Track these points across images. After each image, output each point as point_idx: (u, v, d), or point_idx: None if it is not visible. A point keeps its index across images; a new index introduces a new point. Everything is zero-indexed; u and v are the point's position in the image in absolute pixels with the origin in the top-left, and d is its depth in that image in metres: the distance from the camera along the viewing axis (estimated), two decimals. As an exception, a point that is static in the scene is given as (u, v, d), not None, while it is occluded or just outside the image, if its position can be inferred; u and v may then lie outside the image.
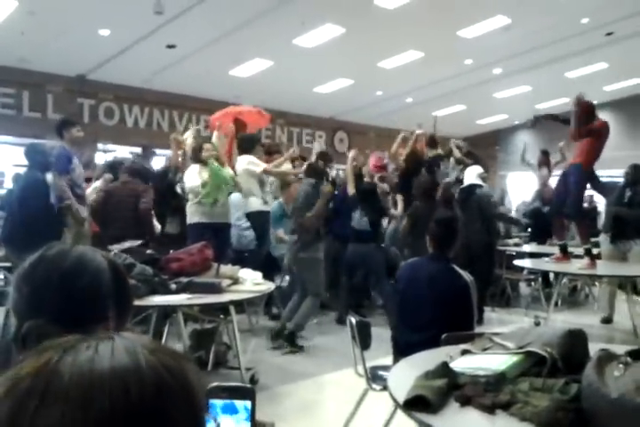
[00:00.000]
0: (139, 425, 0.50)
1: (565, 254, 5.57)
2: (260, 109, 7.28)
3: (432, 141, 7.41)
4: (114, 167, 6.06)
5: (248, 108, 7.16)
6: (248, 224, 5.97)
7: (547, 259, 5.82)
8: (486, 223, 6.09)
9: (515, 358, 1.85)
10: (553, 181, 7.96)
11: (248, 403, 0.77)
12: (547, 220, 7.78)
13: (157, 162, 7.73)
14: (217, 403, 0.76)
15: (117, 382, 0.50)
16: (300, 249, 5.13)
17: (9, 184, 8.36)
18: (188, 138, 6.23)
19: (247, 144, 6.20)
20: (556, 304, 5.89)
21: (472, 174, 6.42)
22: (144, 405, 0.50)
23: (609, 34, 11.05)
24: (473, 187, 6.29)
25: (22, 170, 6.02)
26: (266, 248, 6.06)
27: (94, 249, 1.15)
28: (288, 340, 4.98)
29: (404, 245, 6.23)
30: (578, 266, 5.27)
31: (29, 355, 0.54)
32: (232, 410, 0.77)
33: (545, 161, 8.32)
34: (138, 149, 8.09)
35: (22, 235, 4.65)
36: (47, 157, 5.02)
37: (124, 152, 7.65)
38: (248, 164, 5.95)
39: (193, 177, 5.27)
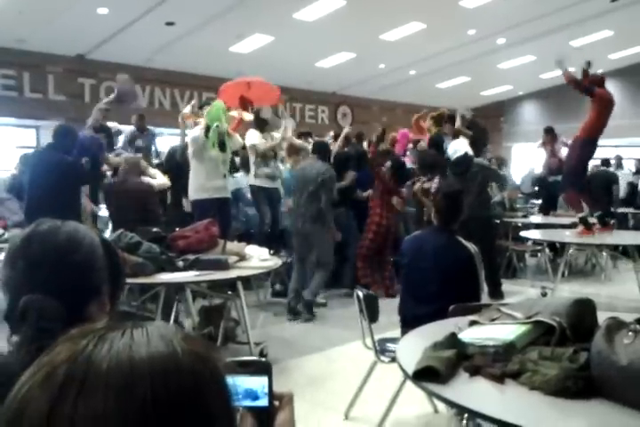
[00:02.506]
0: (178, 412, 0.50)
1: (588, 228, 5.49)
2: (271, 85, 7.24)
3: (440, 118, 7.26)
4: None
5: (259, 81, 7.06)
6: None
7: (568, 233, 5.78)
8: (482, 196, 5.97)
9: (523, 328, 1.85)
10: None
11: (265, 377, 0.77)
12: (552, 190, 7.79)
13: (161, 141, 7.74)
14: (233, 379, 0.75)
15: (157, 369, 0.51)
16: (312, 219, 5.23)
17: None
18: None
19: (262, 123, 6.26)
20: (563, 275, 5.89)
21: (464, 144, 6.23)
22: (183, 391, 0.51)
23: (614, 0, 10.84)
24: (471, 157, 6.14)
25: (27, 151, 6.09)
26: (267, 223, 6.06)
27: (85, 225, 1.14)
28: (306, 308, 5.16)
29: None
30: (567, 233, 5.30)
31: (61, 341, 0.53)
32: (249, 384, 0.77)
33: (549, 139, 8.28)
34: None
35: (48, 214, 4.69)
36: (74, 142, 5.04)
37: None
38: (249, 138, 6.04)
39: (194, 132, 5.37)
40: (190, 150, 5.36)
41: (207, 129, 5.20)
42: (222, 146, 5.32)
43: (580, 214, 5.60)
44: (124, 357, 0.50)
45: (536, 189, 8.84)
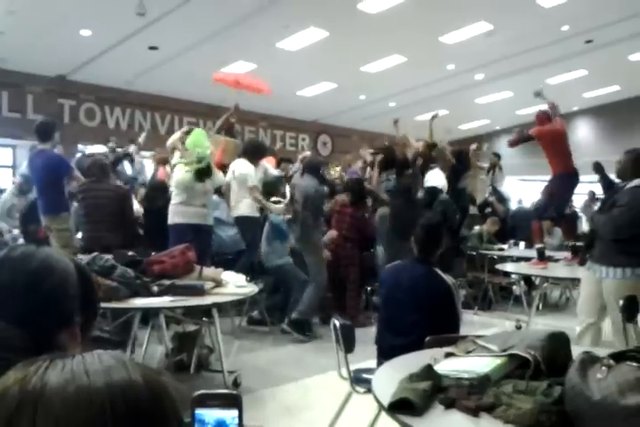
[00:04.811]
0: (136, 419, 0.51)
1: (543, 259, 5.60)
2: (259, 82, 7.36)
3: (429, 146, 7.45)
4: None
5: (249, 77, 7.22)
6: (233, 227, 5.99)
7: (524, 263, 5.90)
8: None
9: (498, 361, 1.85)
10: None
11: (235, 410, 0.76)
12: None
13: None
14: (203, 412, 0.75)
15: (113, 378, 0.52)
16: (304, 233, 5.36)
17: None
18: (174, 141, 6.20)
19: (253, 150, 6.12)
20: (538, 308, 5.93)
21: (437, 178, 6.52)
22: (140, 399, 0.52)
23: (588, 41, 11.21)
24: (437, 190, 6.37)
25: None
26: (254, 254, 5.94)
27: (60, 251, 1.13)
28: (295, 328, 5.17)
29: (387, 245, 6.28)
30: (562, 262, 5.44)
31: (11, 371, 0.54)
32: (219, 418, 0.76)
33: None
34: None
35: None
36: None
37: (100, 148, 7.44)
38: (247, 173, 5.84)
39: (179, 173, 5.26)
40: (174, 179, 5.34)
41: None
42: (201, 173, 5.18)
43: (538, 245, 5.72)
44: (79, 371, 0.52)
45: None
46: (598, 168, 4.85)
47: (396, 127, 7.39)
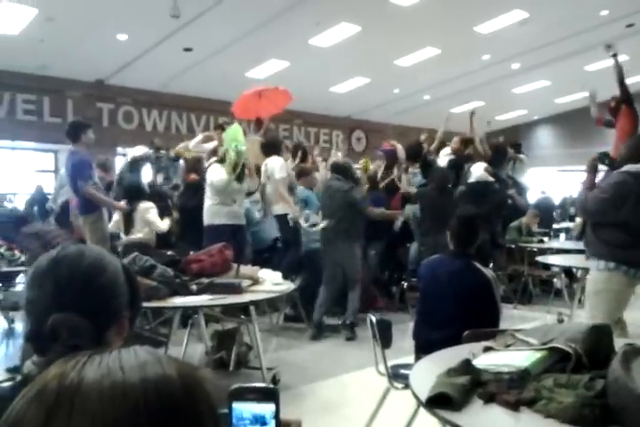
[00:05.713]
0: (170, 416, 0.52)
1: None
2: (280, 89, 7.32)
3: (466, 141, 7.45)
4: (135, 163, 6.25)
5: (269, 89, 7.21)
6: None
7: (568, 256, 5.75)
8: (493, 224, 6.01)
9: (538, 355, 1.82)
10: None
11: (272, 404, 0.76)
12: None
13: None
14: (240, 406, 0.75)
15: (148, 374, 0.53)
16: (341, 236, 5.31)
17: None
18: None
19: (272, 148, 6.11)
20: (580, 300, 5.79)
21: (481, 169, 6.43)
22: (173, 396, 0.53)
23: (629, 26, 10.89)
24: (489, 184, 6.28)
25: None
26: (299, 251, 5.92)
27: (108, 251, 1.17)
28: (349, 329, 5.25)
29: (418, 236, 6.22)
30: None
31: (56, 364, 0.55)
32: (256, 411, 0.76)
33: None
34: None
35: None
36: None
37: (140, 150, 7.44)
38: (273, 167, 5.87)
39: (215, 173, 5.27)
40: (210, 180, 5.37)
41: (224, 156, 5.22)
42: (240, 175, 5.21)
43: None
44: (115, 367, 0.53)
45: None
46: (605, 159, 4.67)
47: (472, 120, 7.39)
